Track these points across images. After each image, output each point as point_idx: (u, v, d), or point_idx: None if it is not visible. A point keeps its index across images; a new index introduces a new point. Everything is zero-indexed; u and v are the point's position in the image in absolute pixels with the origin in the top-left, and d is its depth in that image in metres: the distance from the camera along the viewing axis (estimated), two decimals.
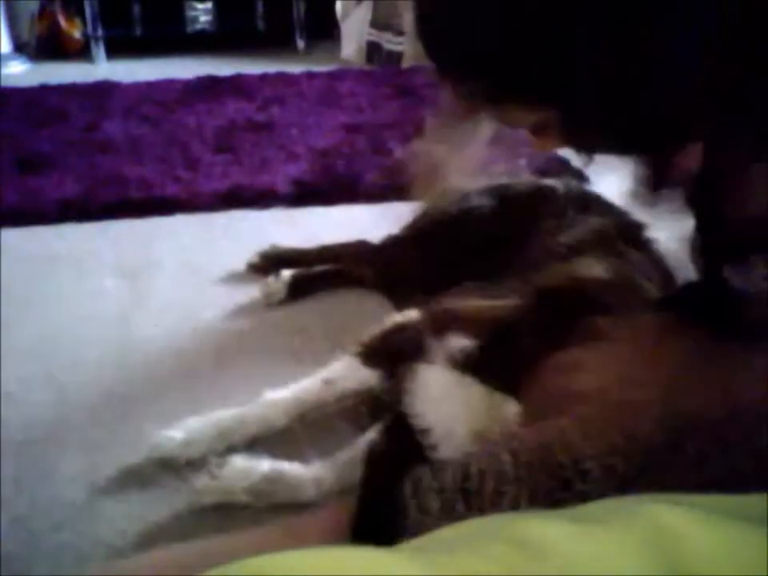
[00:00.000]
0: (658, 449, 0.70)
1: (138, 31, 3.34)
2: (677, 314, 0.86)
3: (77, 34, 3.37)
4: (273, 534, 0.87)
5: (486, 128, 0.93)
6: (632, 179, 0.91)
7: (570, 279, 1.00)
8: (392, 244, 1.49)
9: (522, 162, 2.07)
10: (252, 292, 1.54)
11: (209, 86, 2.83)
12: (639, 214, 1.22)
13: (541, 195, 1.35)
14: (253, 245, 1.73)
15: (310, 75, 2.96)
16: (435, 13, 0.79)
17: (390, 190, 1.90)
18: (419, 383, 0.95)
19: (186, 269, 1.64)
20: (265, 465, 1.03)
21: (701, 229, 0.87)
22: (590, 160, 0.88)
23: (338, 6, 3.28)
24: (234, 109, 2.59)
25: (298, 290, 1.52)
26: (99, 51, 3.29)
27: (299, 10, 3.38)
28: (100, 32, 3.27)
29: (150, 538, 0.98)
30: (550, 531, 0.48)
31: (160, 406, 1.22)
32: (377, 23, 3.18)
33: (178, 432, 1.10)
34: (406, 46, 3.14)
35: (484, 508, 0.76)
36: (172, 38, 3.40)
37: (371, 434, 1.00)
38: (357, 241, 1.59)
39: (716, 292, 0.81)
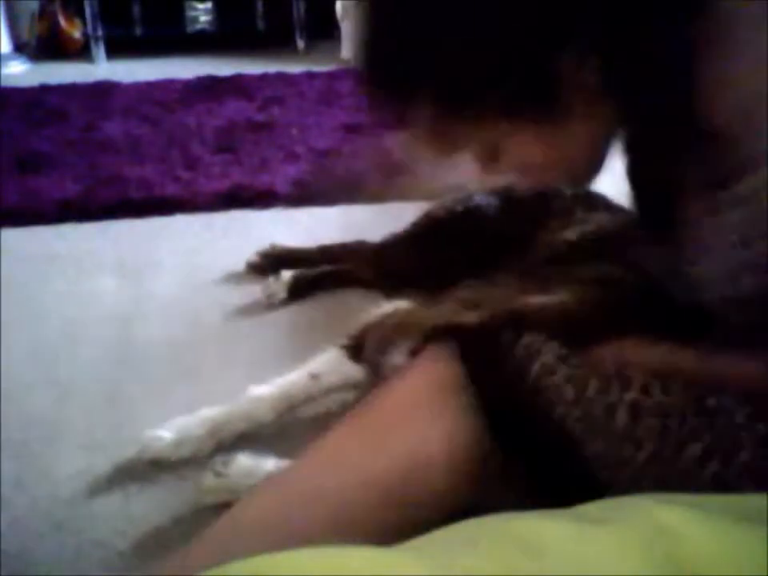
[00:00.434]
0: None
1: (138, 31, 3.34)
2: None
3: (77, 34, 3.37)
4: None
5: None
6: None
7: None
8: (393, 243, 1.49)
9: None
10: (252, 292, 1.54)
11: (209, 86, 2.83)
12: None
13: (546, 195, 1.34)
14: (253, 245, 1.73)
15: (310, 75, 2.96)
16: (383, 29, 0.76)
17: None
18: None
19: (186, 269, 1.64)
20: (270, 463, 1.03)
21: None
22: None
23: (338, 6, 3.28)
24: (234, 109, 2.59)
25: (298, 291, 1.52)
26: (99, 51, 3.29)
27: (299, 9, 3.38)
28: (100, 32, 3.27)
29: (150, 539, 0.98)
30: (550, 531, 0.48)
31: (160, 406, 1.22)
32: None
33: (167, 432, 1.10)
34: None
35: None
36: (172, 38, 3.40)
37: None
38: (356, 241, 1.58)
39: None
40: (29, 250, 1.72)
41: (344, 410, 1.14)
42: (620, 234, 1.05)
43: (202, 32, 3.41)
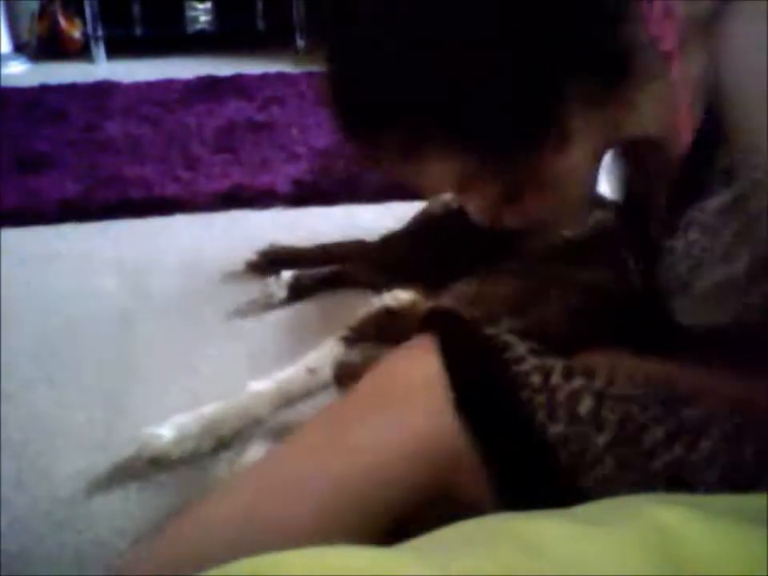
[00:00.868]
0: None
1: (138, 31, 3.34)
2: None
3: (77, 33, 3.37)
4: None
5: None
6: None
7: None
8: (392, 241, 1.49)
9: None
10: (252, 292, 1.54)
11: (209, 86, 2.83)
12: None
13: None
14: (253, 245, 1.73)
15: (310, 75, 2.96)
16: (354, 66, 0.75)
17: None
18: None
19: (186, 269, 1.64)
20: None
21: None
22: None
23: None
24: (234, 109, 2.59)
25: (298, 291, 1.52)
26: (99, 51, 3.28)
27: (299, 10, 3.38)
28: (100, 32, 3.27)
29: (150, 539, 0.98)
30: (550, 531, 0.48)
31: (160, 406, 1.22)
32: None
33: (166, 429, 1.10)
34: None
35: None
36: (172, 38, 3.40)
37: None
38: (356, 240, 1.59)
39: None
40: (29, 250, 1.72)
41: None
42: (615, 233, 1.05)
43: (202, 32, 3.41)
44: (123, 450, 1.12)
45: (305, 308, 1.50)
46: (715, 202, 0.68)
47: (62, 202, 1.90)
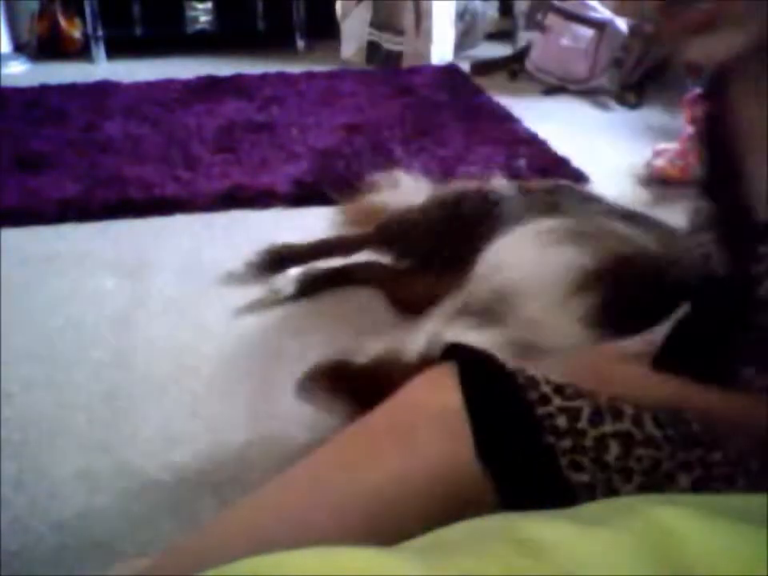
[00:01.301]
0: None
1: (138, 31, 3.34)
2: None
3: (77, 33, 3.37)
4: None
5: None
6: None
7: None
8: (403, 225, 1.49)
9: (521, 162, 2.08)
10: (252, 292, 1.54)
11: (209, 86, 2.83)
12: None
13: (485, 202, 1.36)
14: (253, 245, 1.73)
15: (310, 75, 2.96)
16: None
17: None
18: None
19: (186, 269, 1.64)
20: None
21: (722, 213, 0.84)
22: None
23: (338, 6, 3.28)
24: (234, 109, 2.59)
25: (305, 288, 1.52)
26: (99, 51, 3.28)
27: (299, 9, 3.38)
28: (100, 32, 3.27)
29: (150, 539, 0.98)
30: (550, 531, 0.48)
31: (160, 406, 1.22)
32: (377, 23, 3.18)
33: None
34: (405, 46, 3.14)
35: None
36: (172, 38, 3.40)
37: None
38: (359, 233, 1.59)
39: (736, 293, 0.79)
40: (29, 250, 1.72)
41: None
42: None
43: (202, 32, 3.41)
44: (123, 451, 1.12)
45: (304, 309, 1.50)
46: None
47: (61, 202, 1.90)
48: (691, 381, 0.74)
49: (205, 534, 0.73)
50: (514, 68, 2.99)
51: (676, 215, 1.03)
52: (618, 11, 2.77)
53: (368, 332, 1.40)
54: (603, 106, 2.66)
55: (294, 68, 3.05)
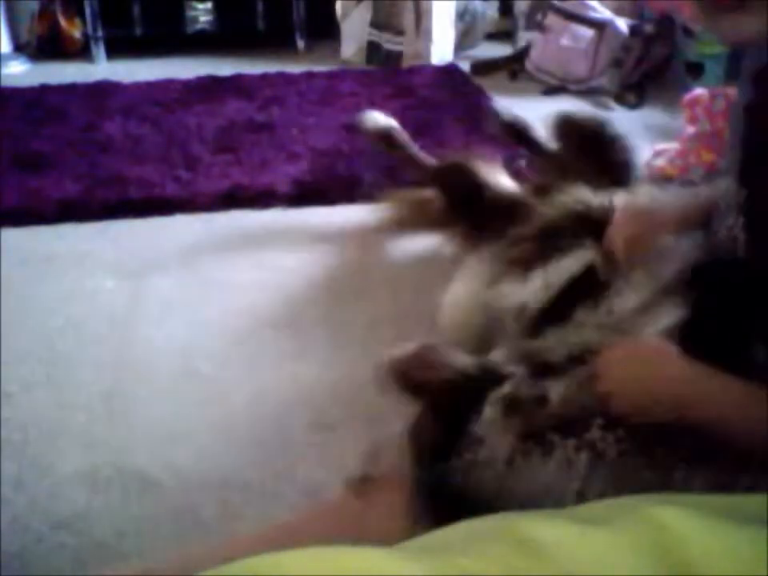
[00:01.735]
0: None
1: (138, 31, 3.34)
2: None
3: (77, 33, 3.36)
4: (326, 516, 0.86)
5: None
6: None
7: None
8: None
9: (521, 162, 2.08)
10: (252, 292, 1.54)
11: (209, 86, 2.83)
12: None
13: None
14: (252, 245, 1.74)
15: (310, 75, 2.96)
16: None
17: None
18: None
19: (185, 269, 1.64)
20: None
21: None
22: None
23: (338, 5, 3.28)
24: (234, 109, 2.58)
25: None
26: (99, 51, 3.28)
27: (299, 9, 3.37)
28: (100, 32, 3.26)
29: (150, 539, 0.98)
30: (550, 531, 0.48)
31: (160, 406, 1.22)
32: (377, 23, 3.18)
33: None
34: (405, 46, 3.14)
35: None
36: (172, 38, 3.39)
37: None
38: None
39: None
40: (29, 249, 1.72)
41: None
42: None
43: (202, 32, 3.41)
44: (123, 451, 1.12)
45: (304, 309, 1.50)
46: None
47: (61, 202, 1.90)
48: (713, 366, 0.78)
49: None
50: (514, 68, 2.99)
51: None
52: (618, 11, 2.77)
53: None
54: (603, 106, 2.65)
55: (294, 68, 3.05)
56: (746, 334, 0.83)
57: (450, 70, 3.04)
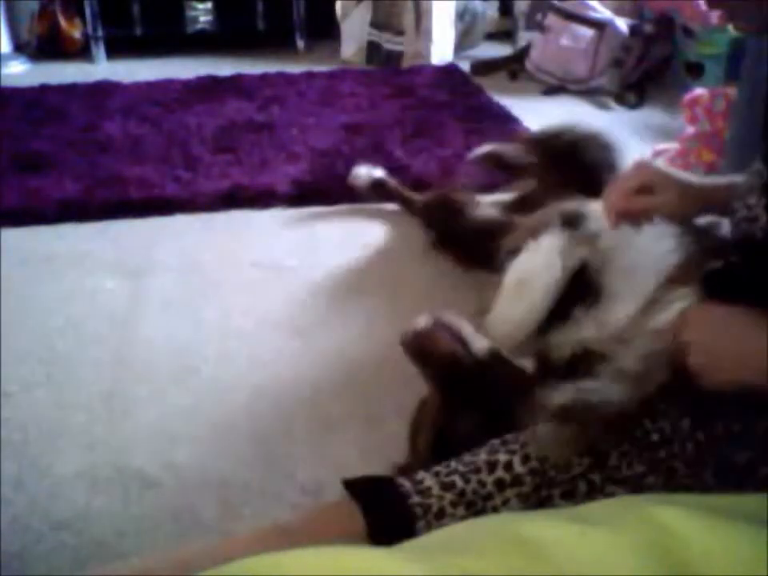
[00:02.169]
0: None
1: (138, 31, 3.34)
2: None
3: (77, 34, 3.36)
4: (284, 533, 0.87)
5: None
6: None
7: None
8: None
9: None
10: (252, 292, 1.54)
11: (209, 86, 2.83)
12: None
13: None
14: (253, 245, 1.74)
15: (310, 75, 2.96)
16: None
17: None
18: None
19: (186, 269, 1.64)
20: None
21: None
22: None
23: (338, 5, 3.28)
24: (234, 109, 2.58)
25: None
26: (99, 51, 3.28)
27: (299, 9, 3.37)
28: (100, 32, 3.27)
29: (150, 539, 0.98)
30: (550, 531, 0.48)
31: (160, 406, 1.22)
32: (377, 23, 3.18)
33: None
34: (405, 46, 3.14)
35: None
36: (172, 38, 3.40)
37: None
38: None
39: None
40: (29, 250, 1.72)
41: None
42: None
43: (202, 32, 3.41)
44: (123, 451, 1.12)
45: (304, 309, 1.50)
46: None
47: (61, 202, 1.90)
48: None
49: None
50: (514, 68, 2.99)
51: None
52: (617, 11, 2.77)
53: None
54: (603, 106, 2.65)
55: (294, 68, 3.05)
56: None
57: (450, 70, 3.04)
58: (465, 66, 3.08)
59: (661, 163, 1.13)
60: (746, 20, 0.87)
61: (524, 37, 3.12)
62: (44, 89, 2.81)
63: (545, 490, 0.79)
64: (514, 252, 1.13)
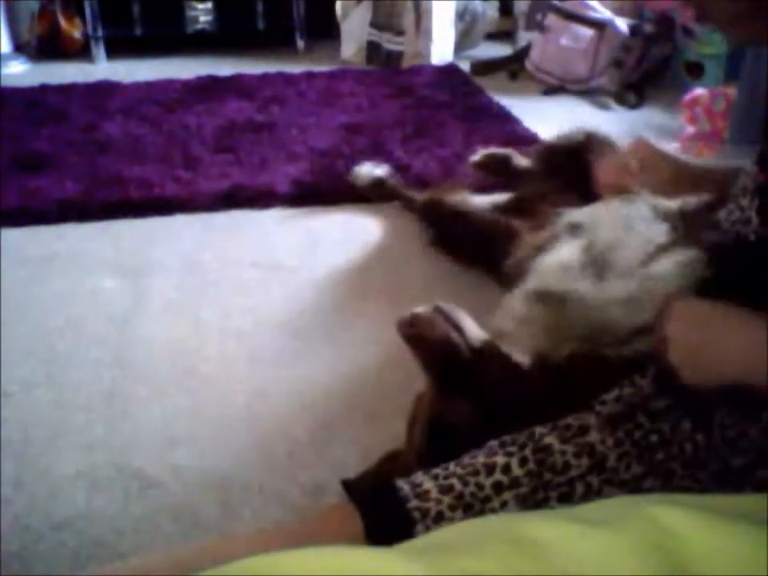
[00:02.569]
0: None
1: (138, 31, 3.34)
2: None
3: (77, 33, 3.37)
4: (283, 534, 0.87)
5: None
6: None
7: None
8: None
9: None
10: (252, 292, 1.54)
11: (209, 86, 2.83)
12: None
13: None
14: (253, 245, 1.74)
15: (310, 75, 2.96)
16: None
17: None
18: None
19: (185, 269, 1.64)
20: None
21: None
22: None
23: (338, 5, 3.28)
24: (234, 109, 2.58)
25: None
26: (99, 51, 3.28)
27: (299, 9, 3.38)
28: (100, 32, 3.27)
29: (150, 539, 0.98)
30: (550, 531, 0.48)
31: (160, 406, 1.22)
32: (377, 23, 3.18)
33: None
34: (405, 46, 3.14)
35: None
36: (172, 38, 3.40)
37: None
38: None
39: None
40: (29, 250, 1.72)
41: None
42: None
43: (202, 32, 3.41)
44: (123, 451, 1.12)
45: (304, 310, 1.50)
46: None
47: (61, 202, 1.90)
48: None
49: None
50: (513, 68, 2.99)
51: None
52: (617, 11, 2.77)
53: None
54: (603, 106, 2.66)
55: (294, 68, 3.05)
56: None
57: (450, 70, 3.04)
58: (465, 66, 3.08)
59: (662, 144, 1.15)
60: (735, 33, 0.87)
61: (524, 37, 3.12)
62: (44, 89, 2.82)
63: (542, 492, 0.80)
64: (522, 265, 1.15)
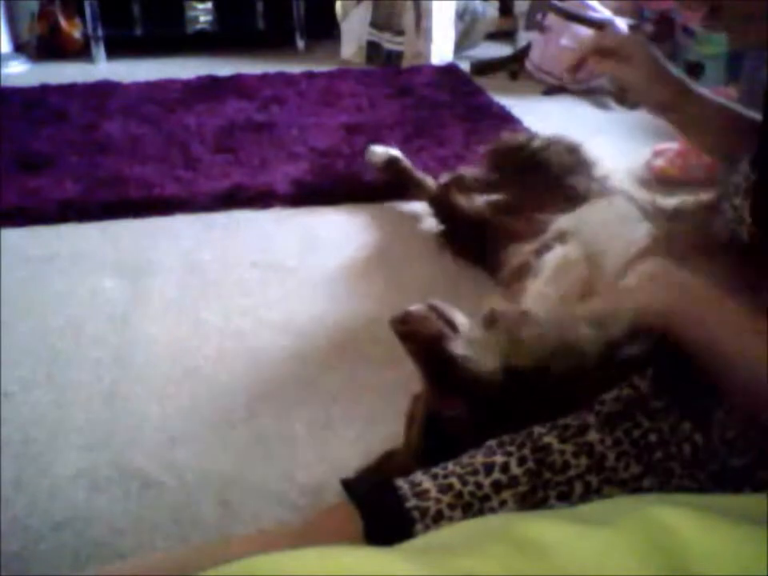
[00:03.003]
0: None
1: (138, 31, 3.34)
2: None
3: (77, 34, 3.37)
4: (283, 534, 0.87)
5: None
6: None
7: None
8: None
9: None
10: (252, 292, 1.54)
11: (209, 86, 2.83)
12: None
13: None
14: (253, 245, 1.74)
15: (310, 75, 2.96)
16: None
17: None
18: None
19: (185, 269, 1.64)
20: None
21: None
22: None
23: (338, 5, 3.28)
24: (234, 109, 2.58)
25: None
26: (99, 51, 3.28)
27: (299, 9, 3.38)
28: (100, 32, 3.27)
29: (150, 539, 0.98)
30: (550, 531, 0.48)
31: (160, 406, 1.22)
32: (377, 23, 3.18)
33: None
34: (405, 45, 3.14)
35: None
36: (172, 38, 3.40)
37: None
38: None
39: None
40: (29, 249, 1.72)
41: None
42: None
43: (202, 32, 3.41)
44: (123, 451, 1.12)
45: (304, 310, 1.50)
46: None
47: (61, 202, 1.90)
48: None
49: None
50: (513, 68, 2.99)
51: None
52: (617, 11, 2.77)
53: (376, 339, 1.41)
54: (603, 106, 2.66)
55: (294, 68, 3.05)
56: None
57: (450, 70, 3.04)
58: (465, 66, 3.08)
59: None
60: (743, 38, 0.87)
61: (524, 37, 3.12)
62: (44, 89, 2.82)
63: (541, 492, 0.80)
64: (519, 272, 1.15)
